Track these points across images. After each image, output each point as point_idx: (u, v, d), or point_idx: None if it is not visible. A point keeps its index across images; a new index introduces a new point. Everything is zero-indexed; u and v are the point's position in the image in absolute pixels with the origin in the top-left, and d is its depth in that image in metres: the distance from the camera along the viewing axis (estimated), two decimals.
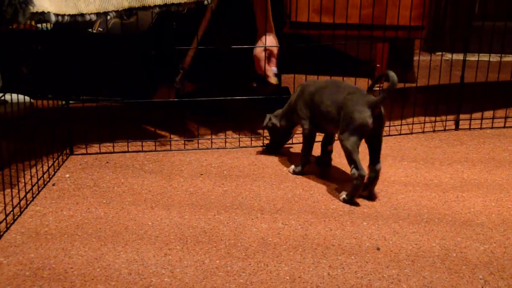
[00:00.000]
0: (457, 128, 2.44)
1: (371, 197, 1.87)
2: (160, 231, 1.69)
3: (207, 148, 2.26)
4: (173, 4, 1.93)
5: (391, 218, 1.77)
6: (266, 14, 2.21)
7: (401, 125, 2.44)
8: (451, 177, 2.03)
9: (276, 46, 2.25)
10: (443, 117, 2.50)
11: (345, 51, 2.87)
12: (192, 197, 1.89)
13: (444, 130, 2.44)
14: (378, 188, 1.92)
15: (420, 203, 1.85)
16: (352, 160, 1.81)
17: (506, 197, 1.88)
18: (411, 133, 2.39)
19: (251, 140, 2.30)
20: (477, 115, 2.52)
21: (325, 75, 2.66)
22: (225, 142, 2.29)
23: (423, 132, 2.41)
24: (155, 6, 1.91)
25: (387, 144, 2.30)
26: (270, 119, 2.14)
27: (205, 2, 1.92)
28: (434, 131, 2.42)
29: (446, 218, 1.76)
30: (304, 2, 2.74)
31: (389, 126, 2.40)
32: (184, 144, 2.28)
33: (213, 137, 2.31)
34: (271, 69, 2.24)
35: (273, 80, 2.25)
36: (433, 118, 2.49)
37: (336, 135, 1.93)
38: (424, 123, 2.45)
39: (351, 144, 1.80)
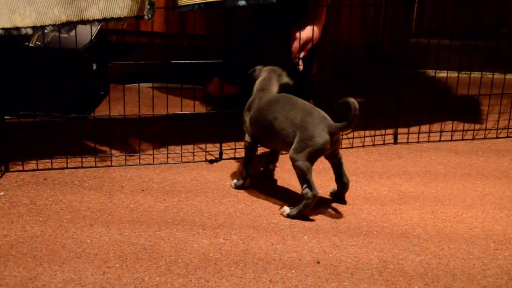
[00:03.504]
0: (395, 142, 2.51)
1: (343, 202, 1.97)
2: (99, 248, 1.66)
3: (149, 164, 2.23)
4: (112, 18, 1.91)
5: (331, 232, 1.79)
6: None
7: (342, 139, 2.49)
8: (390, 190, 2.07)
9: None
10: (383, 131, 2.56)
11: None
12: (133, 213, 1.87)
13: (383, 144, 2.49)
14: (318, 201, 1.95)
15: (359, 216, 1.89)
16: (305, 180, 1.82)
17: (441, 209, 1.93)
18: (352, 147, 2.44)
19: (194, 155, 2.29)
20: (415, 129, 2.59)
21: None
22: (167, 157, 2.27)
23: (363, 146, 2.46)
24: (94, 20, 1.89)
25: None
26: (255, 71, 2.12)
27: (145, 18, 1.91)
28: (373, 145, 2.48)
29: (384, 231, 1.80)
30: None
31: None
32: (125, 159, 2.25)
33: (155, 152, 2.29)
34: (300, 54, 2.34)
35: (300, 66, 2.33)
36: (372, 132, 2.55)
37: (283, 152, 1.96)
38: (364, 137, 2.51)
39: (306, 166, 1.81)
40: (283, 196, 2.00)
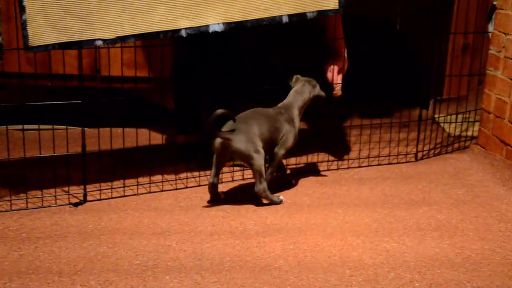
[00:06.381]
0: None
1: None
2: None
3: (6, 210, 2.11)
4: None
5: (194, 269, 1.78)
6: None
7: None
8: (255, 223, 2.10)
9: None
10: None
11: (153, 102, 2.94)
12: None
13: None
14: (184, 239, 1.94)
15: (223, 251, 1.89)
16: None
17: (303, 240, 1.98)
18: (221, 182, 2.44)
19: (56, 199, 2.20)
20: (284, 161, 2.65)
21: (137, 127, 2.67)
22: (26, 202, 2.16)
23: (232, 180, 2.48)
24: None
25: (196, 194, 2.33)
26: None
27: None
28: (243, 178, 2.50)
29: (247, 265, 1.81)
30: (114, 57, 2.74)
31: (199, 176, 2.45)
32: None
33: (13, 197, 2.17)
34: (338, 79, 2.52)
35: (337, 91, 2.52)
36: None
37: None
38: (234, 172, 2.53)
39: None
40: (148, 233, 1.96)
